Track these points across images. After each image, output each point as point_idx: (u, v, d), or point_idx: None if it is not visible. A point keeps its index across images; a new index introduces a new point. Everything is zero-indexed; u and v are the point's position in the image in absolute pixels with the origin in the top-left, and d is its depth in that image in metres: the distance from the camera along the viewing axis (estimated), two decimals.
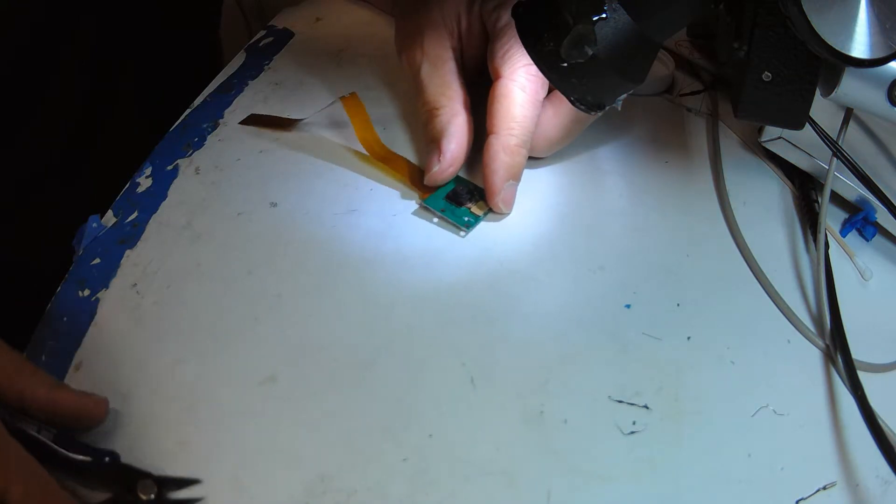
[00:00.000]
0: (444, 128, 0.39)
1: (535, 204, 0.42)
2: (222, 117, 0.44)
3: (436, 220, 0.40)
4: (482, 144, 0.40)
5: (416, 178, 0.41)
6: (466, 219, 0.39)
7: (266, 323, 0.35)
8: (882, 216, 0.43)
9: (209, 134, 0.43)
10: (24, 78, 0.45)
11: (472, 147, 0.41)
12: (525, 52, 0.38)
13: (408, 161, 0.42)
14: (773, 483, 0.33)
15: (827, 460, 0.34)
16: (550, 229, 0.40)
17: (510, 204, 0.40)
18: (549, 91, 0.41)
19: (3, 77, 0.44)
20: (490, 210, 0.40)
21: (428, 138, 0.40)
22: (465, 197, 0.40)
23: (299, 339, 0.34)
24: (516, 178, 0.39)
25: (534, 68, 0.39)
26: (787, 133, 0.44)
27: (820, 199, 0.43)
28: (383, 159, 0.41)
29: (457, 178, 0.41)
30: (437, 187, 0.40)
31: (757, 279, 0.40)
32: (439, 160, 0.39)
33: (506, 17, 0.41)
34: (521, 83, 0.39)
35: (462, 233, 0.39)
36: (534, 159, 0.43)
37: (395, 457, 0.31)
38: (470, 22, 0.42)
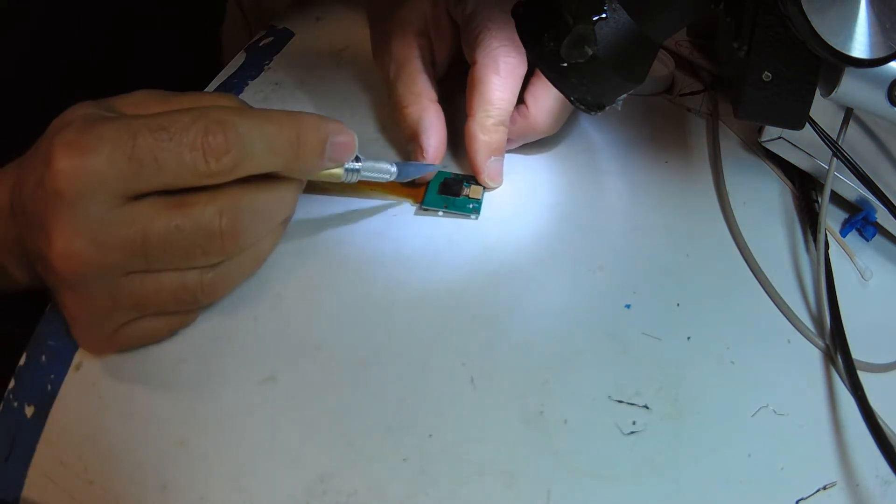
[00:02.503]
0: (417, 123, 0.40)
1: (535, 204, 0.42)
2: None
3: (441, 213, 0.40)
4: (459, 135, 0.41)
5: (399, 189, 0.41)
6: (470, 205, 0.40)
7: (266, 323, 0.35)
8: (882, 216, 0.43)
9: None
10: (25, 80, 0.45)
11: (455, 136, 0.42)
12: (495, 33, 0.40)
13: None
14: (773, 483, 0.33)
15: (827, 460, 0.34)
16: (550, 229, 0.40)
17: (497, 178, 0.41)
18: (530, 74, 0.41)
19: (4, 80, 0.44)
20: (484, 189, 0.41)
21: (406, 136, 0.41)
22: (457, 187, 0.41)
23: (299, 339, 0.34)
24: (498, 153, 0.41)
25: (506, 49, 0.40)
26: (787, 133, 0.44)
27: (820, 199, 0.43)
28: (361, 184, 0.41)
29: (440, 173, 0.41)
30: (426, 184, 0.41)
31: (757, 279, 0.40)
32: (423, 156, 0.40)
33: (471, 4, 0.41)
34: (494, 66, 0.40)
35: (473, 217, 0.40)
36: (533, 155, 0.44)
37: (395, 457, 0.31)
38: (437, 17, 0.43)
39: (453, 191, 0.41)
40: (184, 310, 0.33)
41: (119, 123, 0.29)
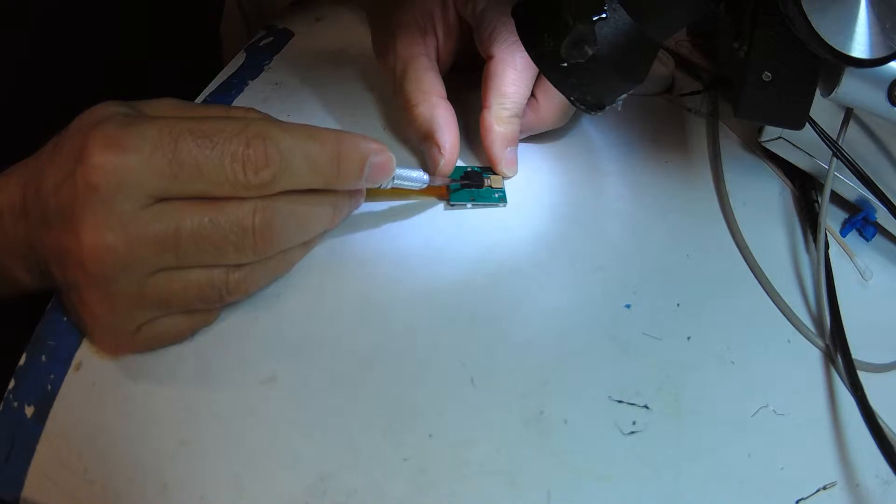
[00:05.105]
0: (430, 121, 0.40)
1: (535, 204, 0.42)
2: None
3: (469, 206, 0.40)
4: (468, 130, 0.42)
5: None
6: (496, 195, 0.41)
7: (266, 322, 0.35)
8: (882, 216, 0.43)
9: None
10: (25, 84, 0.45)
11: (463, 131, 0.42)
12: (511, 28, 0.40)
13: None
14: (773, 483, 0.33)
15: (827, 460, 0.34)
16: (550, 229, 0.40)
17: (513, 167, 0.42)
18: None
19: (3, 83, 0.44)
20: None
21: (419, 135, 0.41)
22: (478, 179, 0.41)
23: (299, 339, 0.34)
24: (513, 143, 0.42)
25: (520, 43, 0.40)
26: (787, 133, 0.44)
27: (820, 199, 0.43)
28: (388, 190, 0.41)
29: (458, 168, 0.41)
30: (449, 181, 0.41)
31: (757, 279, 0.40)
32: (441, 153, 0.39)
33: (482, 2, 0.42)
34: (511, 61, 0.40)
35: (501, 205, 0.41)
36: (533, 155, 0.44)
37: (395, 457, 0.31)
38: (446, 17, 0.43)
39: (476, 183, 0.41)
40: (208, 308, 0.33)
41: (161, 124, 0.29)
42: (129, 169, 0.28)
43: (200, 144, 0.29)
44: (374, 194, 0.38)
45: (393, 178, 0.36)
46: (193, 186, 0.29)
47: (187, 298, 0.31)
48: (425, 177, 0.38)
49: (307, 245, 0.36)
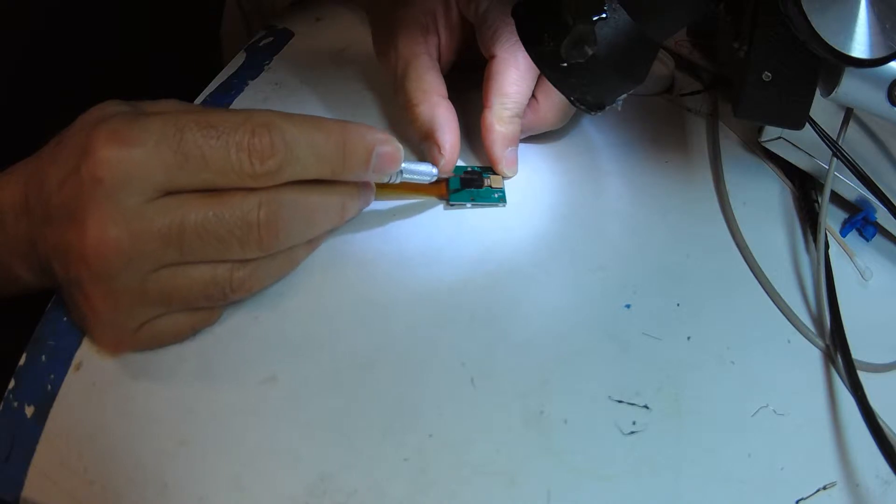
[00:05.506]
0: (431, 121, 0.40)
1: (535, 204, 0.42)
2: None
3: (469, 205, 0.40)
4: (468, 130, 0.42)
5: (421, 187, 0.41)
6: (496, 195, 0.41)
7: (266, 322, 0.35)
8: (882, 216, 0.43)
9: None
10: (26, 83, 0.45)
11: (464, 131, 0.42)
12: (512, 29, 0.39)
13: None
14: (773, 483, 0.33)
15: (827, 460, 0.34)
16: (550, 229, 0.40)
17: (514, 167, 0.42)
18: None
19: (4, 83, 0.44)
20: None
21: (420, 135, 0.41)
22: (478, 179, 0.41)
23: (300, 339, 0.34)
24: (514, 143, 0.42)
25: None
26: (787, 133, 0.44)
27: (820, 199, 0.43)
28: (390, 188, 0.41)
29: (458, 167, 0.41)
30: (447, 181, 0.41)
31: (757, 279, 0.40)
32: (441, 153, 0.39)
33: (484, 2, 0.42)
34: (513, 61, 0.40)
35: (501, 205, 0.41)
36: (533, 155, 0.44)
37: (395, 457, 0.31)
38: (448, 16, 0.43)
39: (476, 183, 0.41)
40: (211, 306, 0.33)
41: (166, 118, 0.29)
42: (135, 163, 0.28)
43: (205, 135, 0.29)
44: (383, 190, 0.38)
45: (401, 172, 0.36)
46: (199, 177, 0.29)
47: (191, 295, 0.31)
48: (434, 170, 0.38)
49: (312, 244, 0.36)
